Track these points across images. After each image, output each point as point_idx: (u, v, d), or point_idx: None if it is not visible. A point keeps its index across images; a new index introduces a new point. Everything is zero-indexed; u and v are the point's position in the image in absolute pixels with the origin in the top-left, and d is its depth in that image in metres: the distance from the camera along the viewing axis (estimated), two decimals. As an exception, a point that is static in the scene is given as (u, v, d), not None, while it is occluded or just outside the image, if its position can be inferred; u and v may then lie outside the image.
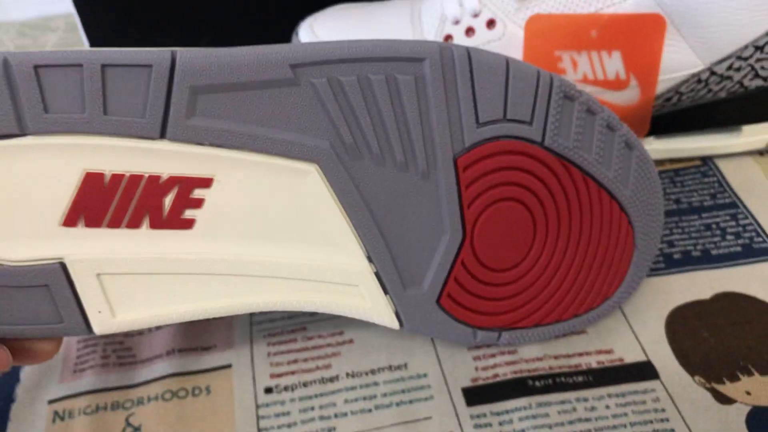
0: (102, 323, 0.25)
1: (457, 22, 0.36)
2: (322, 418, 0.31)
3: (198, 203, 0.25)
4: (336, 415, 0.31)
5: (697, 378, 0.31)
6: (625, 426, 0.30)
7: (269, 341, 0.34)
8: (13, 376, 0.33)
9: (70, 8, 0.42)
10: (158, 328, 0.34)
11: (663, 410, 0.30)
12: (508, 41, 0.36)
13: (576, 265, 0.31)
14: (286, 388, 0.32)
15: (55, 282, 0.24)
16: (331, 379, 0.32)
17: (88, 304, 0.25)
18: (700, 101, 0.38)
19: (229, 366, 0.33)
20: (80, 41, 0.43)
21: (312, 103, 0.26)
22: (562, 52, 0.35)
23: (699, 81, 0.36)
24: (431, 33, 0.37)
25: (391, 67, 0.26)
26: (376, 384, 0.32)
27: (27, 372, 0.33)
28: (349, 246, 0.27)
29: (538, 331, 0.31)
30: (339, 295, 0.28)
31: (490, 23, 0.36)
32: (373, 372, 0.32)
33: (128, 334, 0.34)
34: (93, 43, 0.43)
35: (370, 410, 0.31)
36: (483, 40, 0.36)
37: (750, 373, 0.31)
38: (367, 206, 0.27)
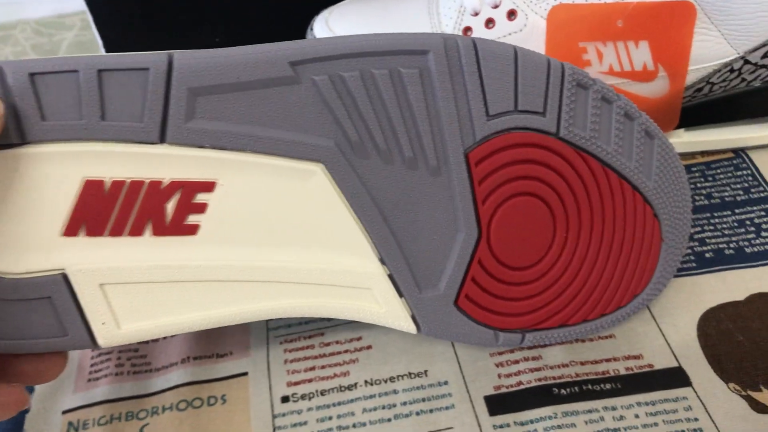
0: (107, 335, 0.25)
1: (476, 14, 0.36)
2: (340, 428, 0.31)
3: (201, 208, 0.25)
4: (354, 425, 0.31)
5: (731, 385, 0.30)
6: (655, 436, 0.30)
7: (286, 348, 0.34)
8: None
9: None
10: (173, 335, 0.34)
11: (696, 419, 0.30)
12: (530, 32, 0.35)
13: (600, 261, 0.31)
14: (303, 397, 0.32)
15: (57, 294, 0.25)
16: (349, 387, 0.32)
17: (92, 316, 0.25)
18: (732, 91, 0.38)
19: (245, 374, 0.33)
20: (96, 39, 0.44)
21: (314, 101, 0.26)
22: (586, 43, 0.35)
23: (732, 70, 0.36)
24: (449, 25, 0.37)
25: (394, 60, 0.26)
26: (395, 392, 0.32)
27: (41, 383, 0.34)
28: (360, 248, 0.27)
29: (563, 332, 0.31)
30: (352, 299, 0.28)
31: (511, 14, 0.36)
32: (392, 379, 0.32)
33: (143, 342, 0.34)
34: (106, 40, 0.43)
35: (389, 419, 0.31)
36: (504, 31, 0.36)
37: (788, 380, 0.31)
38: (376, 206, 0.27)
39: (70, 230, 0.24)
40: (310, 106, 0.26)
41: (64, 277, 0.25)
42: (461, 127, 0.27)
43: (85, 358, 0.34)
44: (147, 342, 0.34)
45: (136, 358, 0.34)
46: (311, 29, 0.40)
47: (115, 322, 0.25)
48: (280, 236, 0.27)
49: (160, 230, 0.25)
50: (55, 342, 0.25)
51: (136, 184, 0.24)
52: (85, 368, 0.34)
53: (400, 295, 0.28)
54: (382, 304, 0.28)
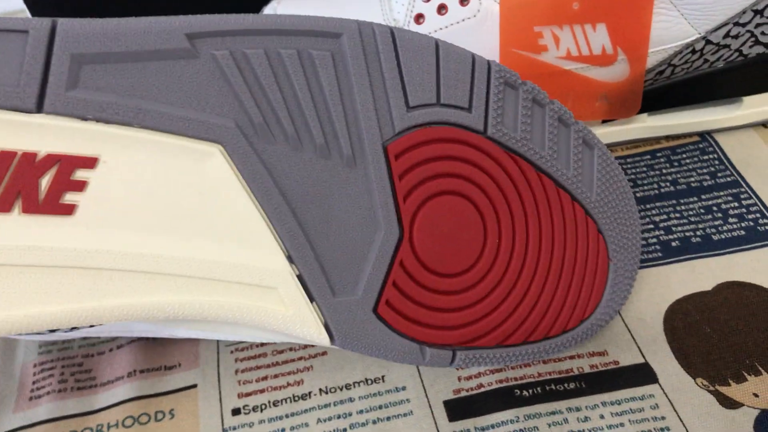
0: (-37, 325, 0.22)
1: (427, 0, 0.34)
2: (293, 440, 0.29)
3: (80, 186, 0.23)
4: (308, 437, 0.29)
5: (699, 380, 0.29)
6: (621, 437, 0.28)
7: (237, 357, 0.32)
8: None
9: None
10: (119, 347, 0.33)
11: (663, 418, 0.28)
12: (484, 18, 0.34)
13: (539, 275, 0.28)
14: (254, 409, 0.30)
15: None
16: (303, 397, 0.30)
17: (-54, 301, 0.22)
18: (695, 73, 0.36)
19: (194, 386, 0.31)
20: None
21: (213, 77, 0.24)
22: (542, 27, 0.33)
23: (693, 51, 0.34)
24: (401, 13, 0.35)
25: (303, 41, 0.25)
26: (351, 400, 0.30)
27: (-22, 402, 0.32)
28: (263, 242, 0.25)
29: (501, 353, 0.28)
30: (252, 299, 0.25)
31: (464, -1, 0.34)
32: (348, 387, 0.31)
33: (88, 355, 0.33)
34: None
35: (344, 429, 0.29)
36: (457, 17, 0.34)
37: (758, 373, 0.29)
38: (283, 196, 0.25)
39: (-74, 202, 0.22)
40: (209, 82, 0.24)
41: None
42: (379, 117, 0.25)
43: (27, 375, 0.32)
44: (92, 356, 0.33)
45: (80, 373, 0.32)
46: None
47: (-26, 309, 0.23)
48: (170, 222, 0.24)
49: (32, 207, 0.23)
50: None
51: (7, 155, 0.22)
52: (27, 386, 0.32)
53: (311, 299, 0.26)
54: (288, 307, 0.25)
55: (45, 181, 0.23)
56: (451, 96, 0.26)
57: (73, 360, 0.33)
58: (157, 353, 0.33)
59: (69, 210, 0.23)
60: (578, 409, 0.29)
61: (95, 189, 0.23)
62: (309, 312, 0.26)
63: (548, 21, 0.33)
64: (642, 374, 0.30)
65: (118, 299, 0.24)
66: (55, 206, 0.23)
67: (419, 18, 0.34)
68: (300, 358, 0.32)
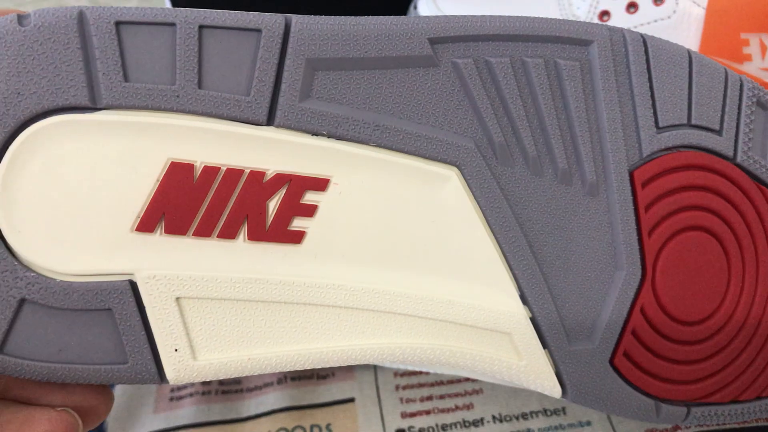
0: (179, 366, 0.19)
1: (615, -4, 0.32)
2: (469, 470, 0.27)
3: (310, 210, 0.20)
4: (488, 470, 0.27)
5: None
6: None
7: (396, 371, 0.29)
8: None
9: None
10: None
11: None
12: (680, 20, 0.30)
13: (777, 322, 0.24)
14: (421, 431, 0.27)
15: (120, 305, 0.19)
16: (475, 423, 0.28)
17: (162, 339, 0.19)
18: None
19: (351, 400, 0.28)
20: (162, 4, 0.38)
21: (453, 89, 0.21)
22: (750, 34, 0.30)
23: None
24: (582, 9, 0.31)
25: (551, 49, 0.21)
26: (529, 431, 0.27)
27: (117, 399, 0.29)
28: (498, 279, 0.21)
29: (735, 410, 0.24)
30: (485, 346, 0.22)
31: (659, -2, 0.31)
32: (524, 416, 0.28)
33: None
34: (176, 4, 0.37)
35: None
36: (648, 18, 0.31)
37: None
38: (520, 227, 0.21)
39: (145, 225, 0.19)
40: (449, 95, 0.21)
41: (132, 285, 0.19)
42: (626, 138, 0.22)
43: None
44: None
45: (224, 376, 0.30)
46: (414, 8, 0.34)
47: (191, 349, 0.19)
48: (401, 255, 0.21)
49: (258, 234, 0.19)
50: (109, 371, 0.19)
51: (234, 174, 0.19)
52: (166, 386, 0.29)
53: (544, 345, 0.22)
54: (522, 356, 0.22)
55: (273, 204, 0.19)
56: (702, 116, 0.23)
57: None
58: (307, 360, 0.30)
59: (297, 238, 0.20)
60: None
61: (325, 214, 0.20)
62: (543, 360, 0.22)
63: (759, 28, 0.30)
64: None
65: (346, 341, 0.20)
66: (284, 233, 0.19)
67: (603, 15, 0.31)
68: (467, 379, 0.29)
